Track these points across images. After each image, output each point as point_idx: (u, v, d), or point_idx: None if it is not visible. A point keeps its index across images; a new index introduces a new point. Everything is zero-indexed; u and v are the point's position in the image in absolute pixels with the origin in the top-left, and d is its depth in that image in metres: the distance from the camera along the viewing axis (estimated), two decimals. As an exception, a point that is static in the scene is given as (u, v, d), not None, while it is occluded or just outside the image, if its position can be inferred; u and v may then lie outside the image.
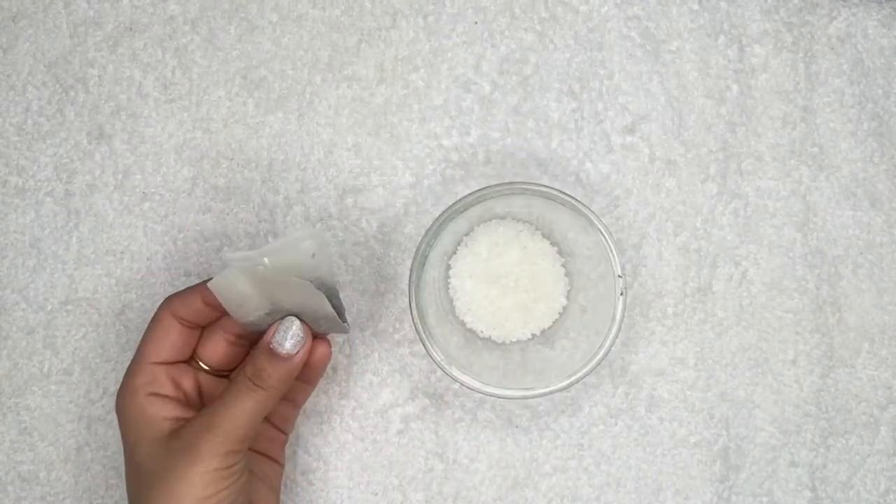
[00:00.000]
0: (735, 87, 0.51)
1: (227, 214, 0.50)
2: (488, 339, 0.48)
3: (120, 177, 0.51)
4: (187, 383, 0.43)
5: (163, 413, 0.41)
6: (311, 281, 0.40)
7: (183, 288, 0.44)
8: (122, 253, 0.50)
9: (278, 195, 0.50)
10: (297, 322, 0.41)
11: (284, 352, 0.41)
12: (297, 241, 0.40)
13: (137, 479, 0.40)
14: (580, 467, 0.49)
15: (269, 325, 0.41)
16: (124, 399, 0.42)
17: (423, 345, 0.45)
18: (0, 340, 0.50)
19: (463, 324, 0.48)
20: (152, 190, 0.51)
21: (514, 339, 0.48)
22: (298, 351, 0.41)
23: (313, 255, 0.40)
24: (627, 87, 0.51)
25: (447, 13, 0.51)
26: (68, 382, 0.50)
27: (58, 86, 0.51)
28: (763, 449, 0.50)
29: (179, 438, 0.40)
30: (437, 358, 0.44)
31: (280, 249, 0.40)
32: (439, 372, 0.49)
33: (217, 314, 0.43)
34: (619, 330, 0.44)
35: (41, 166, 0.51)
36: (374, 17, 0.51)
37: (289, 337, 0.41)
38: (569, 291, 0.48)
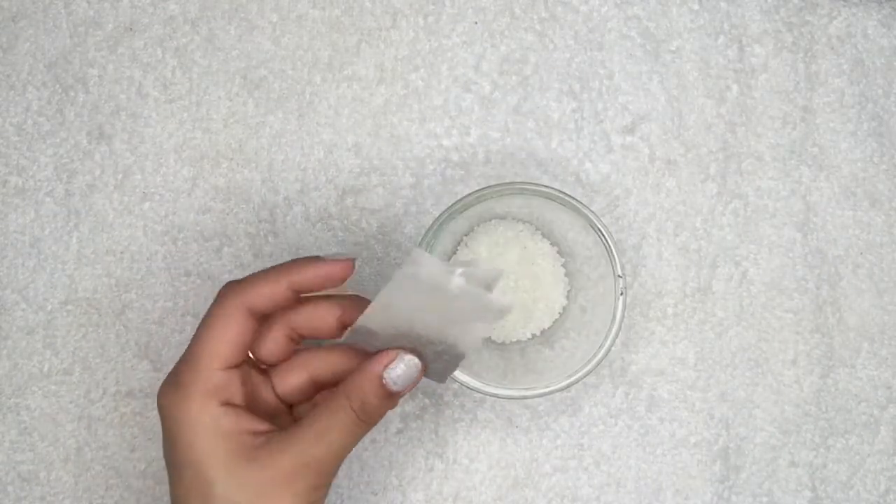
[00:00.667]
0: (735, 87, 0.51)
1: (227, 214, 0.50)
2: (488, 339, 0.48)
3: (120, 177, 0.51)
4: (261, 390, 0.39)
5: (241, 426, 0.36)
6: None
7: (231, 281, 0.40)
8: (122, 253, 0.50)
9: (278, 195, 0.50)
10: (418, 362, 0.36)
11: (397, 389, 0.36)
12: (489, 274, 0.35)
13: (204, 497, 0.35)
14: (580, 467, 0.49)
15: (380, 351, 0.37)
16: (187, 409, 0.36)
17: (423, 345, 0.45)
18: (0, 340, 0.50)
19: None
20: (152, 190, 0.51)
21: (514, 339, 0.48)
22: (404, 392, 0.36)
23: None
24: (627, 87, 0.51)
25: (447, 13, 0.51)
26: (68, 382, 0.50)
27: (58, 86, 0.51)
28: (763, 449, 0.50)
29: (270, 467, 0.35)
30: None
31: (473, 273, 0.35)
32: (439, 372, 0.49)
33: (288, 303, 0.38)
34: (618, 330, 0.44)
35: (41, 166, 0.51)
36: (374, 17, 0.51)
37: (406, 378, 0.36)
38: (569, 291, 0.48)
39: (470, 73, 0.51)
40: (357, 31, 0.51)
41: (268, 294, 0.37)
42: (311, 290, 0.38)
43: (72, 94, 0.51)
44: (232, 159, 0.51)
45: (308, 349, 0.40)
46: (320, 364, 0.39)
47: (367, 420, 0.36)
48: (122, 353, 0.50)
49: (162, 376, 0.50)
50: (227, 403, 0.36)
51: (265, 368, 0.40)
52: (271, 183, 0.50)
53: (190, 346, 0.37)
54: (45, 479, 0.49)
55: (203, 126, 0.51)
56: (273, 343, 0.39)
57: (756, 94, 0.51)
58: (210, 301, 0.50)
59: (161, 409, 0.37)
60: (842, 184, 0.51)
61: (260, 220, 0.50)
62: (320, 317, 0.38)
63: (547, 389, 0.44)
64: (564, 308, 0.48)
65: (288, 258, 0.49)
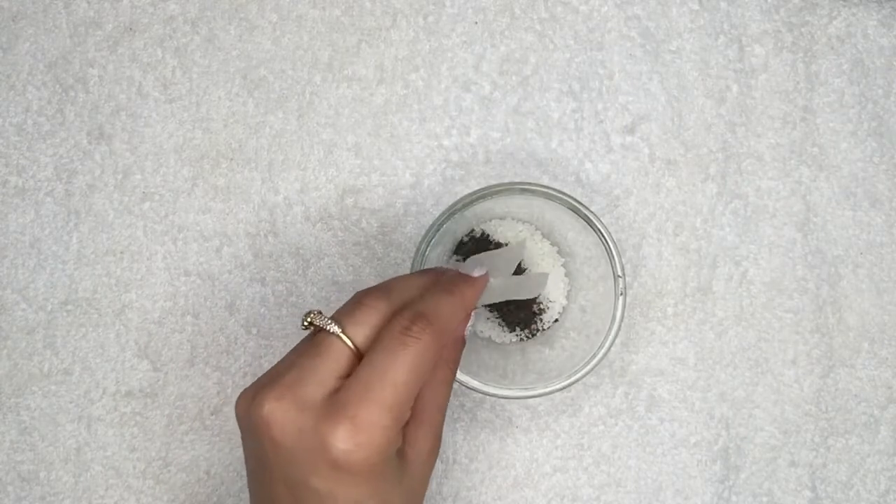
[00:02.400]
0: (735, 87, 0.51)
1: (227, 214, 0.50)
2: (488, 339, 0.48)
3: (120, 177, 0.51)
4: None
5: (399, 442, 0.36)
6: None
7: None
8: (122, 253, 0.50)
9: (278, 195, 0.50)
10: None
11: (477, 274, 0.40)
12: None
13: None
14: (580, 467, 0.49)
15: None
16: (375, 449, 0.34)
17: (423, 345, 0.45)
18: (0, 340, 0.50)
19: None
20: (152, 190, 0.51)
21: (515, 339, 0.48)
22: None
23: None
24: (627, 87, 0.51)
25: (447, 13, 0.51)
26: (68, 382, 0.50)
27: (58, 86, 0.51)
28: (763, 449, 0.50)
29: (415, 460, 0.37)
30: (437, 358, 0.44)
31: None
32: (439, 372, 0.49)
33: None
34: (618, 330, 0.44)
35: (41, 166, 0.51)
36: (374, 17, 0.51)
37: (473, 321, 0.40)
38: (569, 292, 0.48)
39: (470, 73, 0.51)
40: (357, 31, 0.51)
41: (456, 330, 0.39)
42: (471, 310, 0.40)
43: (72, 94, 0.51)
44: (232, 159, 0.51)
45: None
46: None
47: (456, 371, 0.39)
48: (121, 353, 0.50)
49: (162, 376, 0.50)
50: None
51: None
52: (271, 183, 0.50)
53: (385, 390, 0.35)
54: (45, 479, 0.49)
55: (203, 126, 0.51)
56: None
57: (756, 94, 0.51)
58: (209, 301, 0.50)
59: (342, 456, 0.34)
60: (842, 184, 0.51)
61: (260, 220, 0.50)
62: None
63: (547, 389, 0.44)
64: (564, 308, 0.48)
65: (288, 258, 0.50)
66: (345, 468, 0.34)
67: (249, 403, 0.35)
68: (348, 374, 0.35)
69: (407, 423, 0.37)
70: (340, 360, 0.35)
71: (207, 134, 0.51)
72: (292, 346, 0.49)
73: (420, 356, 0.35)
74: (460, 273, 0.40)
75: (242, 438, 0.37)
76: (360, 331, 0.36)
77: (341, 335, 0.35)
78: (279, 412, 0.34)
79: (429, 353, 0.35)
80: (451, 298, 0.38)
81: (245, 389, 0.36)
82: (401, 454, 0.36)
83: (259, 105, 0.51)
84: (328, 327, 0.36)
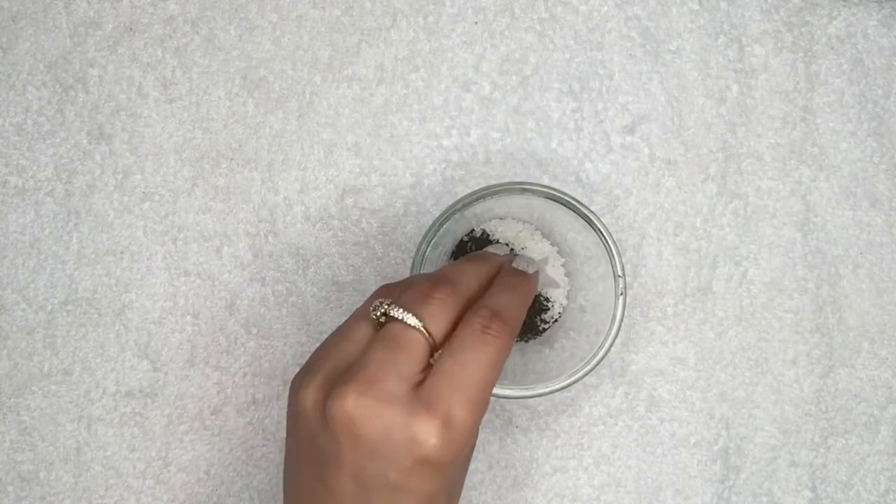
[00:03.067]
0: (735, 87, 0.51)
1: (227, 214, 0.50)
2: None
3: (120, 177, 0.51)
4: None
5: None
6: None
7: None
8: (122, 253, 0.50)
9: (278, 195, 0.50)
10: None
11: (531, 270, 0.40)
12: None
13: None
14: (580, 467, 0.49)
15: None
16: (465, 445, 0.35)
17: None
18: (0, 340, 0.50)
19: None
20: (152, 190, 0.51)
21: (514, 339, 0.48)
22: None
23: None
24: (627, 87, 0.51)
25: (447, 13, 0.51)
26: (68, 382, 0.50)
27: (58, 86, 0.51)
28: (763, 449, 0.50)
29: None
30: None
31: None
32: (439, 372, 0.49)
33: None
34: (618, 330, 0.44)
35: (41, 166, 0.51)
36: (374, 17, 0.51)
37: (527, 262, 0.40)
38: (569, 292, 0.48)
39: (470, 73, 0.51)
40: (357, 31, 0.51)
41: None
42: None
43: (72, 94, 0.51)
44: (232, 159, 0.51)
45: None
46: None
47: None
48: (121, 353, 0.50)
49: (162, 376, 0.50)
50: None
51: None
52: (271, 183, 0.50)
53: (470, 388, 0.35)
54: (45, 479, 0.49)
55: (203, 126, 0.51)
56: None
57: (756, 94, 0.51)
58: (209, 301, 0.50)
59: (430, 454, 0.34)
60: (842, 184, 0.51)
61: (260, 220, 0.50)
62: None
63: (547, 389, 0.44)
64: (564, 308, 0.48)
65: (288, 258, 0.50)
66: (431, 463, 0.34)
67: (324, 396, 0.35)
68: (426, 369, 0.35)
69: None
70: (420, 354, 0.35)
71: (207, 134, 0.51)
72: (292, 346, 0.50)
73: (499, 354, 0.35)
74: (516, 270, 0.40)
75: (298, 429, 0.36)
76: (437, 325, 0.36)
77: (422, 329, 0.35)
78: (365, 408, 0.34)
79: (505, 351, 0.36)
80: (517, 298, 0.38)
81: (304, 378, 0.36)
82: None
83: (259, 105, 0.51)
84: (408, 320, 0.35)
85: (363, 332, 0.37)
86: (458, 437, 0.34)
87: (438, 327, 0.36)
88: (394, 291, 0.38)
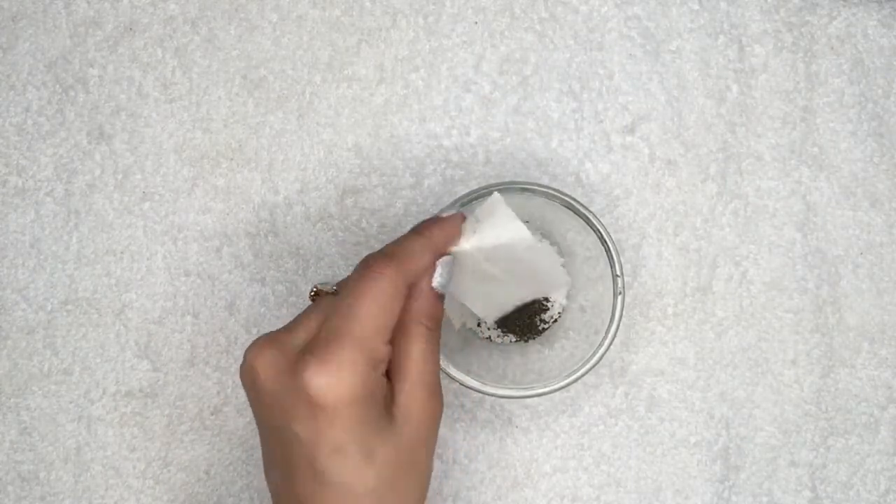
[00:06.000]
0: (735, 87, 0.51)
1: (227, 214, 0.50)
2: (488, 340, 0.48)
3: (120, 177, 0.51)
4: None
5: (384, 390, 0.37)
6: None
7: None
8: (122, 253, 0.50)
9: (278, 195, 0.50)
10: (449, 257, 0.40)
11: (443, 290, 0.39)
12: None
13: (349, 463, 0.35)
14: (580, 467, 0.49)
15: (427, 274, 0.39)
16: (344, 385, 0.34)
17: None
18: (0, 340, 0.50)
19: (463, 324, 0.48)
20: (152, 190, 0.51)
21: (514, 340, 0.48)
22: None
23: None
24: (627, 87, 0.51)
25: (447, 13, 0.51)
26: (68, 382, 0.50)
27: (58, 86, 0.51)
28: (763, 449, 0.50)
29: (406, 420, 0.36)
30: (437, 358, 0.44)
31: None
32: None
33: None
34: (618, 330, 0.44)
35: (41, 166, 0.51)
36: (374, 17, 0.51)
37: (447, 274, 0.39)
38: (569, 291, 0.48)
39: (470, 73, 0.51)
40: (357, 31, 0.51)
41: (421, 266, 0.38)
42: (442, 253, 0.40)
43: (72, 94, 0.51)
44: (232, 159, 0.51)
45: None
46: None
47: (439, 327, 0.39)
48: (121, 353, 0.50)
49: (162, 376, 0.50)
50: (384, 375, 0.37)
51: None
52: (271, 183, 0.50)
53: (351, 324, 0.35)
54: (45, 479, 0.50)
55: (203, 126, 0.51)
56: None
57: (756, 94, 0.51)
58: (209, 301, 0.50)
59: (314, 393, 0.34)
60: (842, 184, 0.51)
61: (260, 220, 0.50)
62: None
63: (547, 389, 0.44)
64: (564, 308, 0.48)
65: (288, 258, 0.50)
66: (320, 407, 0.34)
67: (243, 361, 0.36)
68: None
69: (390, 379, 0.37)
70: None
71: (207, 134, 0.51)
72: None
73: (381, 289, 0.36)
74: (435, 216, 0.40)
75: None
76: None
77: (334, 290, 0.37)
78: (262, 358, 0.36)
79: (391, 286, 0.36)
80: (417, 237, 0.39)
81: None
82: (387, 409, 0.36)
83: (259, 105, 0.51)
84: (325, 289, 0.38)
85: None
86: (338, 375, 0.34)
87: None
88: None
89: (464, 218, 0.40)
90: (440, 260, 0.39)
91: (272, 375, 0.35)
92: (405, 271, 0.37)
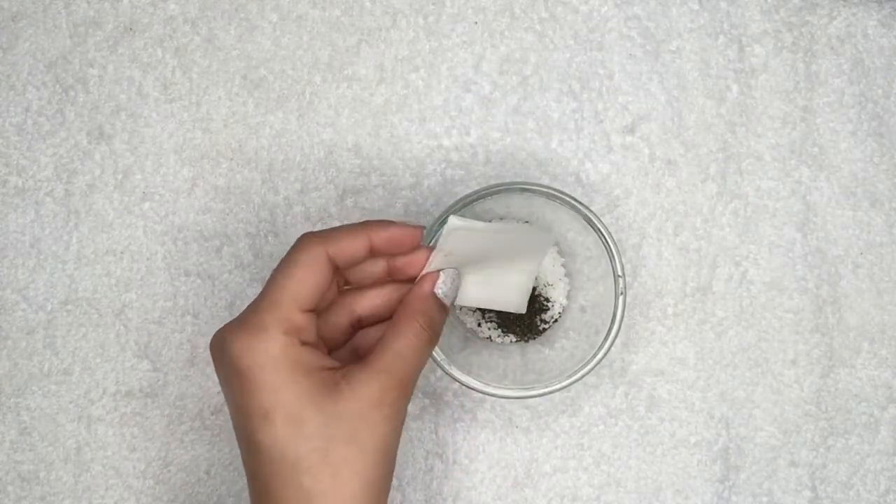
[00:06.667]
0: (735, 87, 0.51)
1: (227, 214, 0.50)
2: (488, 339, 0.48)
3: (120, 177, 0.51)
4: (334, 334, 0.40)
5: (321, 364, 0.37)
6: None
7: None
8: (122, 253, 0.50)
9: (278, 195, 0.50)
10: (456, 272, 0.41)
11: (448, 301, 0.40)
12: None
13: (297, 437, 0.36)
14: (580, 467, 0.49)
15: (423, 276, 0.41)
16: (270, 351, 0.36)
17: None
18: (0, 340, 0.50)
19: (463, 324, 0.48)
20: (152, 190, 0.51)
21: (514, 340, 0.48)
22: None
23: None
24: (627, 87, 0.51)
25: (447, 13, 0.51)
26: (68, 382, 0.50)
27: (58, 86, 0.51)
28: (763, 449, 0.50)
29: (358, 397, 0.36)
30: (437, 358, 0.44)
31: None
32: (439, 372, 0.49)
33: (363, 260, 0.40)
34: (618, 330, 0.44)
35: (41, 166, 0.51)
36: (374, 17, 0.51)
37: (452, 288, 0.41)
38: (569, 291, 0.48)
39: (470, 73, 0.51)
40: (357, 31, 0.51)
41: (350, 248, 0.39)
42: (384, 252, 0.40)
43: (72, 94, 0.51)
44: (232, 159, 0.51)
45: (349, 292, 0.41)
46: (363, 304, 0.41)
47: (434, 332, 0.39)
48: (121, 353, 0.50)
49: (162, 376, 0.50)
50: (307, 344, 0.37)
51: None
52: (271, 183, 0.50)
53: (269, 290, 0.37)
54: (45, 479, 0.49)
55: (203, 126, 0.51)
56: (334, 323, 0.41)
57: (756, 94, 0.51)
58: (209, 301, 0.50)
59: (233, 357, 0.36)
60: (842, 184, 0.51)
61: (260, 220, 0.50)
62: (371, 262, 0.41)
63: (547, 389, 0.44)
64: (564, 308, 0.48)
65: (288, 258, 0.49)
66: (241, 372, 0.36)
67: None
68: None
69: (357, 361, 0.38)
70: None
71: (207, 134, 0.51)
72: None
73: (297, 261, 0.37)
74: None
75: None
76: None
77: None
78: (215, 335, 0.38)
79: (310, 258, 0.37)
80: (354, 225, 0.39)
81: None
82: (334, 383, 0.37)
83: (259, 105, 0.51)
84: None
85: None
86: (256, 341, 0.36)
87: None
88: None
89: (422, 232, 0.41)
90: (445, 270, 0.41)
91: (215, 347, 0.38)
92: (331, 248, 0.38)
